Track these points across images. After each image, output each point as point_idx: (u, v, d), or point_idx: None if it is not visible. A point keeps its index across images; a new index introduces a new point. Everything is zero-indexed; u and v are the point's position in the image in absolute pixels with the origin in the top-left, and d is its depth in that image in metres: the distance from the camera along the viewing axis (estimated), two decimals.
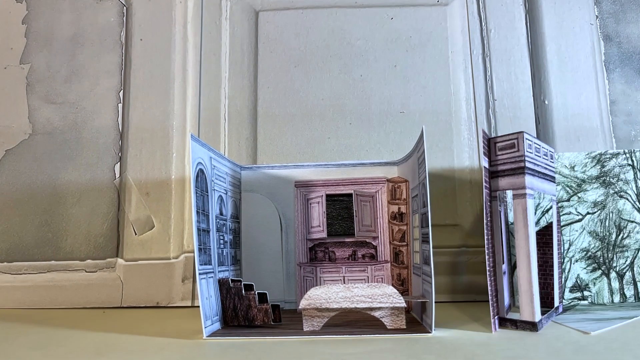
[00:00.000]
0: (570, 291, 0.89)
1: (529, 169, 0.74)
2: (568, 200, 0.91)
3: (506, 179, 0.74)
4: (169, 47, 1.13)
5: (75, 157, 1.11)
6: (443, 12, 1.14)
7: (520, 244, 0.72)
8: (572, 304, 0.89)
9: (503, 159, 0.75)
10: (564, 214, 0.90)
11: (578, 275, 0.89)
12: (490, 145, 0.76)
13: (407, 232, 0.91)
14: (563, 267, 0.89)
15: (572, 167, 0.91)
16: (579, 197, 0.90)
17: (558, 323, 0.74)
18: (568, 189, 0.91)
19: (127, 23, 1.15)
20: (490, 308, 0.70)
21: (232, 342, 0.67)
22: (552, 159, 0.86)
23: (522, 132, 0.73)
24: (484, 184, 0.73)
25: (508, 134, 0.75)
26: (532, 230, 0.72)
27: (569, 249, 0.90)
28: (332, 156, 1.08)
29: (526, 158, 0.73)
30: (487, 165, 0.75)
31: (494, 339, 0.65)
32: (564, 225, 0.90)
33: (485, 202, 0.72)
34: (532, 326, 0.70)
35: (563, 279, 0.88)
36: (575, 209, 0.90)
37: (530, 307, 0.70)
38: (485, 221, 0.72)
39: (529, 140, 0.75)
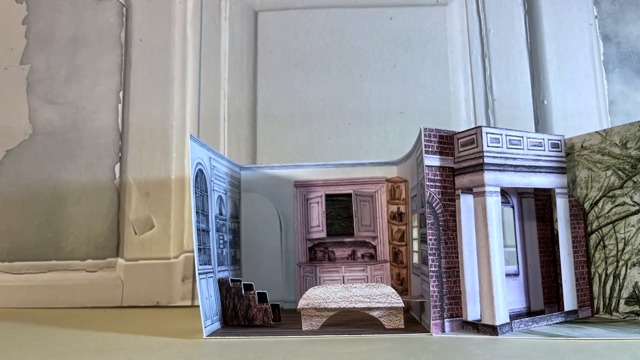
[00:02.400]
0: (627, 303, 0.73)
1: (493, 164, 0.71)
2: (621, 187, 0.74)
3: (467, 176, 0.73)
4: (169, 48, 1.14)
5: (76, 157, 1.11)
6: (442, 12, 1.14)
7: (480, 244, 0.71)
8: (628, 318, 0.73)
9: (464, 156, 0.73)
10: (616, 205, 0.76)
11: (636, 283, 0.73)
12: (454, 141, 0.75)
13: (407, 231, 0.91)
14: (617, 272, 0.75)
15: (624, 144, 0.74)
16: (635, 182, 0.72)
17: (536, 331, 0.69)
18: (620, 172, 0.73)
19: (126, 23, 1.15)
20: (431, 310, 0.69)
21: (232, 342, 0.67)
22: (553, 147, 0.78)
23: (480, 126, 0.71)
24: (426, 182, 0.72)
25: (468, 130, 0.73)
26: (494, 229, 0.70)
27: (623, 249, 0.74)
28: (331, 156, 1.08)
29: (486, 154, 0.71)
30: (437, 164, 0.73)
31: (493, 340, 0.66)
32: (616, 220, 0.76)
33: (426, 202, 0.72)
34: (492, 330, 0.67)
35: (618, 288, 0.76)
36: (631, 197, 0.73)
37: (490, 309, 0.69)
38: (427, 222, 0.71)
39: (493, 134, 0.72)
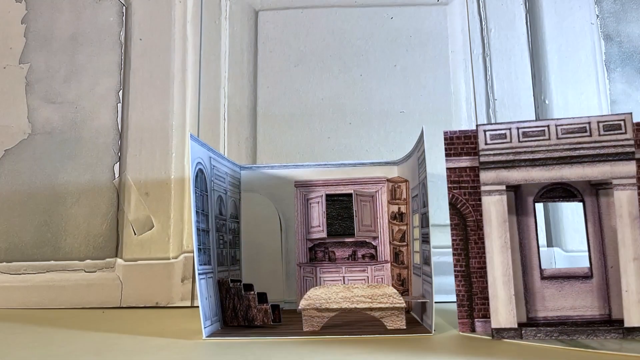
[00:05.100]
0: None
1: (494, 162, 0.69)
2: None
3: (481, 174, 0.71)
4: (169, 47, 1.13)
5: (75, 157, 1.11)
6: (443, 12, 1.14)
7: (484, 245, 0.69)
8: None
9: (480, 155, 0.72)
10: None
11: None
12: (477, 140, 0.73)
13: (407, 232, 0.91)
14: None
15: None
16: None
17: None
18: None
19: (126, 23, 1.15)
20: (457, 310, 0.70)
21: (232, 342, 0.67)
22: (608, 130, 0.68)
23: (478, 125, 0.70)
24: (447, 185, 0.72)
25: (473, 129, 0.71)
26: (492, 230, 0.68)
27: None
28: (332, 156, 1.08)
29: (482, 153, 0.69)
30: (462, 165, 0.73)
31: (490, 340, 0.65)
32: None
33: (449, 204, 0.72)
34: (494, 332, 0.66)
35: None
36: None
37: (495, 314, 0.67)
38: (450, 223, 0.71)
39: (495, 130, 0.69)
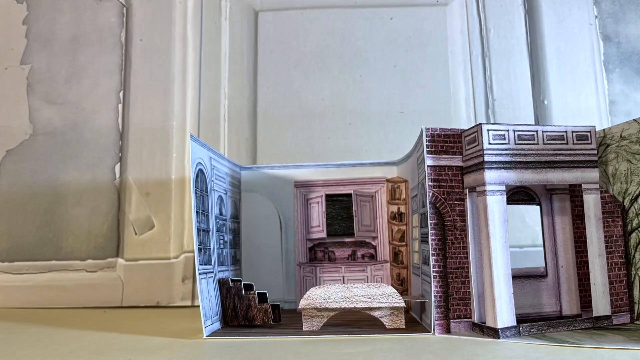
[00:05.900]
0: None
1: (496, 162, 0.70)
2: None
3: (472, 175, 0.71)
4: (169, 48, 1.14)
5: (76, 157, 1.11)
6: (442, 12, 1.14)
7: (482, 245, 0.69)
8: None
9: (469, 154, 0.72)
10: None
11: None
12: (462, 139, 0.74)
13: (407, 232, 0.91)
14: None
15: None
16: None
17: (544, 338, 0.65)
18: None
19: (127, 23, 1.15)
20: (434, 310, 0.69)
21: (232, 342, 0.67)
22: (579, 140, 0.73)
23: (480, 124, 0.70)
24: (427, 183, 0.71)
25: (472, 127, 0.72)
26: (496, 229, 0.68)
27: None
28: (331, 156, 1.08)
29: (486, 152, 0.69)
30: (442, 164, 0.73)
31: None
32: None
33: (427, 202, 0.71)
34: (494, 332, 0.66)
35: None
36: None
37: (492, 312, 0.67)
38: (430, 222, 0.71)
39: (496, 130, 0.70)
